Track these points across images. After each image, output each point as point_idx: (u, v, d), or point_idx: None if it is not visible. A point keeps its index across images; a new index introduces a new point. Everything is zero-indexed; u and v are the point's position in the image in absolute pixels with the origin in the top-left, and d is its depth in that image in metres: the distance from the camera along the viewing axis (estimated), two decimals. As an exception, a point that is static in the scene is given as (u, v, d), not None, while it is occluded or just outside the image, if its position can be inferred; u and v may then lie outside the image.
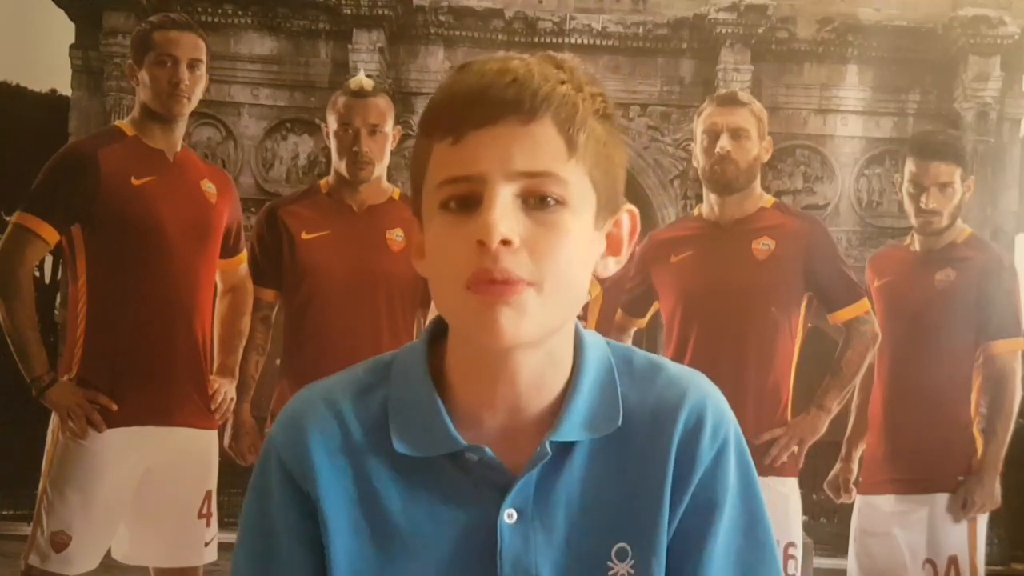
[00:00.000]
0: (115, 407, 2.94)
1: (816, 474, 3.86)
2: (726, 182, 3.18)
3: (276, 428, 1.11)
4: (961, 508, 3.28)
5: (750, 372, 3.12)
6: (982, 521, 3.34)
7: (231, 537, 1.24)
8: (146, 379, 3.00)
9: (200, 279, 3.10)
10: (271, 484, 1.09)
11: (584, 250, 1.04)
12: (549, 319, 1.02)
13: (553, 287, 1.00)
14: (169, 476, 3.03)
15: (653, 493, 1.07)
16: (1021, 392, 3.38)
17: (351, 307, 3.20)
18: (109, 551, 3.06)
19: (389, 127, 3.28)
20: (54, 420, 3.00)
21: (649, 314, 3.51)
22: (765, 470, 2.99)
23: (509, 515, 1.05)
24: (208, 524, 3.10)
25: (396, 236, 3.24)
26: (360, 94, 3.25)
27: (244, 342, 3.30)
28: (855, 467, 3.58)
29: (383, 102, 3.28)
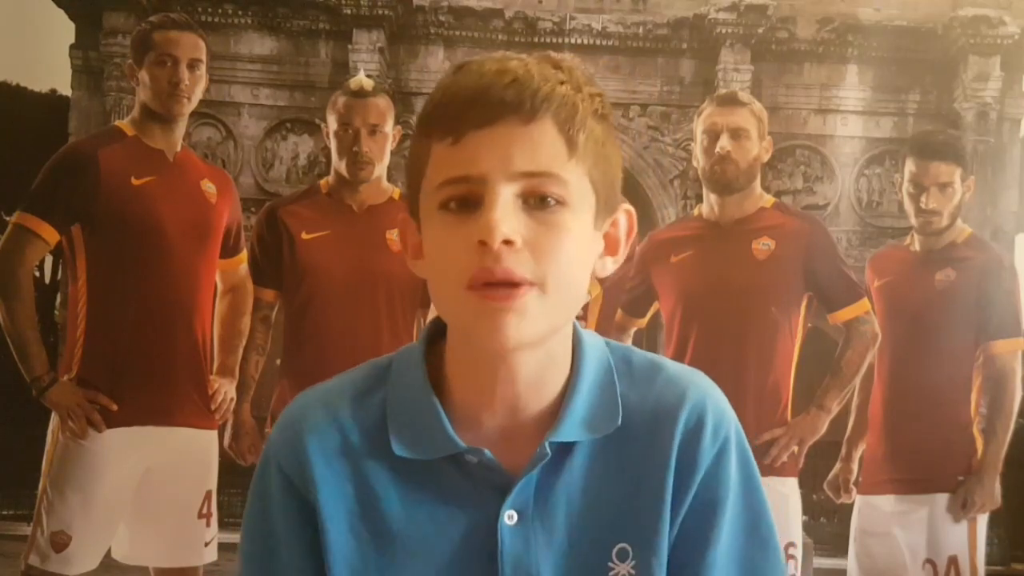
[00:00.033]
0: (115, 407, 2.94)
1: (816, 474, 3.86)
2: (726, 182, 3.18)
3: (274, 433, 1.11)
4: (961, 508, 3.28)
5: (750, 372, 3.12)
6: (982, 521, 3.34)
7: (231, 537, 1.24)
8: (146, 379, 3.00)
9: (200, 279, 3.10)
10: (271, 489, 1.09)
11: (584, 250, 1.04)
12: (550, 319, 1.02)
13: (555, 287, 1.00)
14: (169, 476, 3.03)
15: (654, 493, 1.06)
16: (1021, 392, 3.38)
17: (351, 307, 3.20)
18: (109, 551, 3.06)
19: (389, 127, 3.28)
20: (54, 420, 3.00)
21: (649, 314, 3.51)
22: (765, 470, 2.98)
23: (509, 516, 1.05)
24: (208, 524, 3.10)
25: (396, 236, 3.23)
26: (360, 94, 3.24)
27: (244, 342, 3.30)
28: (855, 467, 3.58)
29: (383, 102, 3.28)
